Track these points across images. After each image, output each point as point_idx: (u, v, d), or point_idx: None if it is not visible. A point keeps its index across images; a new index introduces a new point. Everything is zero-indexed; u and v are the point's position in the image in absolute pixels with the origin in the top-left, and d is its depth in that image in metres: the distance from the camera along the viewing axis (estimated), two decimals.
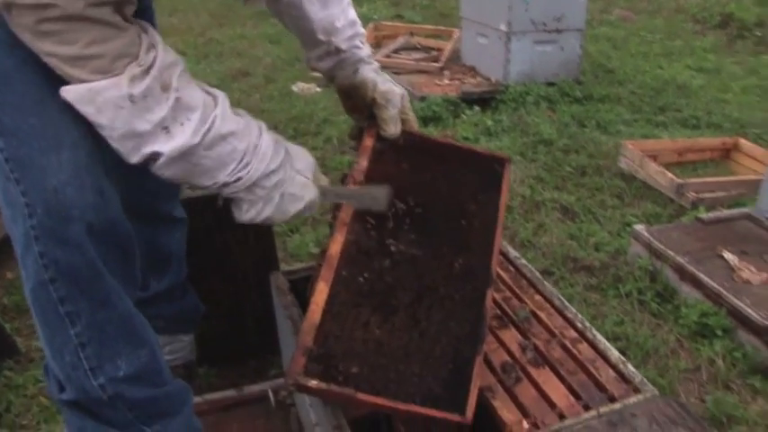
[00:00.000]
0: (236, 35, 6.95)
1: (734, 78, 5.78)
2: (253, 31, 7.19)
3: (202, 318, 2.04)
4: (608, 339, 1.62)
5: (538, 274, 1.80)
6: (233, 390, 2.00)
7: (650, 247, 2.79)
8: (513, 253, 1.90)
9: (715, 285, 2.51)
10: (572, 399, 1.41)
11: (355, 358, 1.31)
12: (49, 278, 1.22)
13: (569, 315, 1.64)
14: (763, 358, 2.31)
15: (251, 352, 2.27)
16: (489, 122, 4.55)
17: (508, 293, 1.74)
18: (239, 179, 1.26)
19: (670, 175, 3.55)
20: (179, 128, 1.17)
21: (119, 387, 1.33)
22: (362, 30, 1.69)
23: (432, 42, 6.20)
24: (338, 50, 1.64)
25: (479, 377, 1.39)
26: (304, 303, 1.67)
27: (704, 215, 3.02)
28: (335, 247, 1.41)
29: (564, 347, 1.55)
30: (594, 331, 1.58)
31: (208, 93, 1.24)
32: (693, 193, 3.42)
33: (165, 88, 1.15)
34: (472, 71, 5.42)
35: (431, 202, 1.59)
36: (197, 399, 1.76)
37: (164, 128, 1.16)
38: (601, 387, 1.44)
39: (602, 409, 1.35)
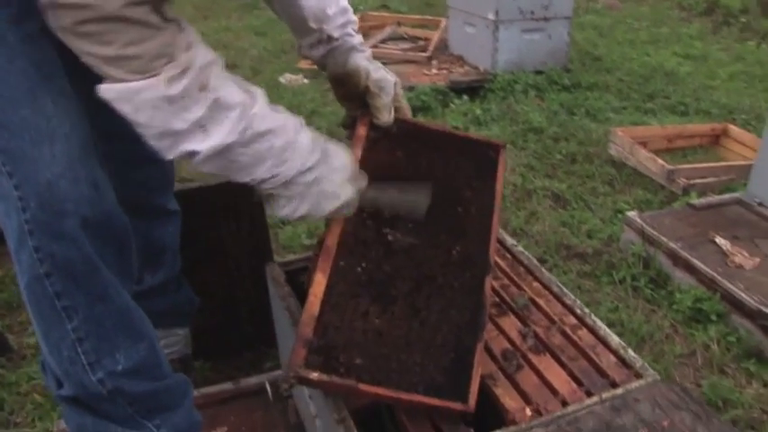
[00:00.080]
0: (222, 27, 6.90)
1: (720, 65, 5.79)
2: (238, 23, 7.14)
3: (197, 311, 2.02)
4: None
5: (535, 261, 1.80)
6: (229, 383, 1.98)
7: (643, 233, 2.79)
8: (509, 240, 1.89)
9: (708, 270, 2.51)
10: (574, 385, 1.40)
11: (356, 349, 1.30)
12: (44, 273, 1.21)
13: (568, 302, 1.64)
14: (757, 342, 2.32)
15: (246, 345, 2.25)
16: (478, 111, 4.54)
17: (506, 281, 1.73)
18: (276, 175, 1.25)
19: (660, 161, 3.56)
20: (216, 127, 1.16)
21: (118, 381, 1.32)
22: (354, 17, 1.67)
23: (419, 32, 6.18)
24: (330, 38, 1.62)
25: (481, 365, 1.38)
26: (300, 294, 1.67)
27: (696, 201, 3.03)
28: (332, 238, 1.39)
29: (564, 334, 1.54)
30: (594, 317, 1.58)
31: (246, 90, 1.22)
32: (684, 180, 3.43)
33: (203, 88, 1.14)
34: (460, 60, 5.41)
35: None
36: (193, 392, 1.75)
37: (201, 126, 1.14)
38: (602, 373, 1.43)
39: (605, 395, 1.35)
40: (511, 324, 1.58)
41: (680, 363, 2.32)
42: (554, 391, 1.39)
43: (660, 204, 3.37)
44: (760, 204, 2.94)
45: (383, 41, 5.92)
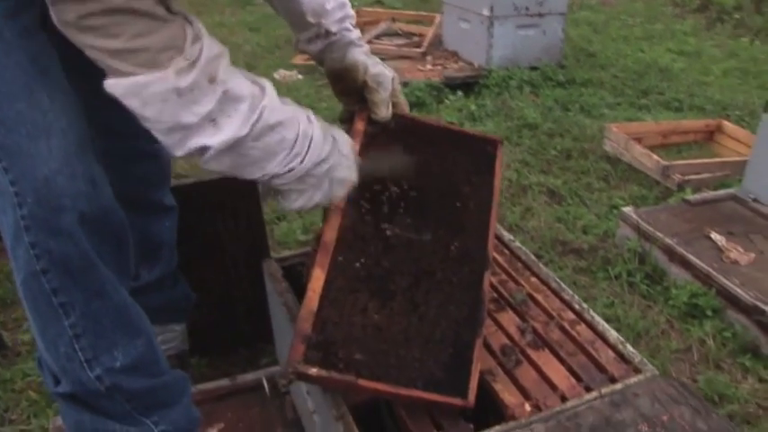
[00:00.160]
0: (215, 23, 6.87)
1: (714, 61, 5.80)
2: (231, 18, 7.11)
3: (193, 307, 2.01)
4: None
5: (533, 256, 1.80)
6: (226, 379, 1.98)
7: (638, 229, 2.80)
8: (507, 236, 1.89)
9: (704, 266, 2.52)
10: (573, 380, 1.40)
11: (355, 344, 1.29)
12: (41, 269, 1.20)
13: (566, 297, 1.64)
14: (752, 337, 2.33)
15: (242, 341, 2.24)
16: (473, 107, 4.54)
17: (504, 276, 1.73)
18: (291, 170, 1.24)
19: (656, 157, 3.56)
20: (227, 120, 1.14)
21: (116, 378, 1.31)
22: (352, 12, 1.66)
23: (413, 28, 6.17)
24: (328, 33, 1.61)
25: (480, 360, 1.38)
26: (298, 290, 1.66)
27: (691, 197, 3.04)
28: (331, 233, 1.39)
29: (562, 329, 1.54)
30: (592, 312, 1.58)
31: (254, 83, 1.20)
32: (679, 175, 3.43)
33: (212, 80, 1.12)
34: (454, 56, 5.40)
35: (425, 185, 1.58)
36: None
37: (211, 120, 1.13)
38: (601, 368, 1.43)
39: (604, 390, 1.35)
40: (509, 319, 1.58)
41: (676, 358, 2.32)
42: (553, 387, 1.39)
43: (655, 200, 3.38)
44: (755, 200, 2.95)
45: (377, 37, 5.91)
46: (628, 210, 2.90)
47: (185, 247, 1.95)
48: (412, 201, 1.53)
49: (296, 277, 1.76)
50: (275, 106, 1.21)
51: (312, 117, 1.30)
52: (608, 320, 2.41)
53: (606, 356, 1.46)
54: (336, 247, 1.38)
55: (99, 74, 1.07)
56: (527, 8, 4.94)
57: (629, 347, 1.48)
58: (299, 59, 5.42)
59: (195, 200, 1.96)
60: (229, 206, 2.02)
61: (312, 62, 5.40)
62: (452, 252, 1.51)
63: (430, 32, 5.72)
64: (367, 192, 1.48)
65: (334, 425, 1.31)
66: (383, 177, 1.52)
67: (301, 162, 1.24)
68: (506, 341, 1.52)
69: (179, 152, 1.15)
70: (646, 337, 2.41)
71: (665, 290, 2.63)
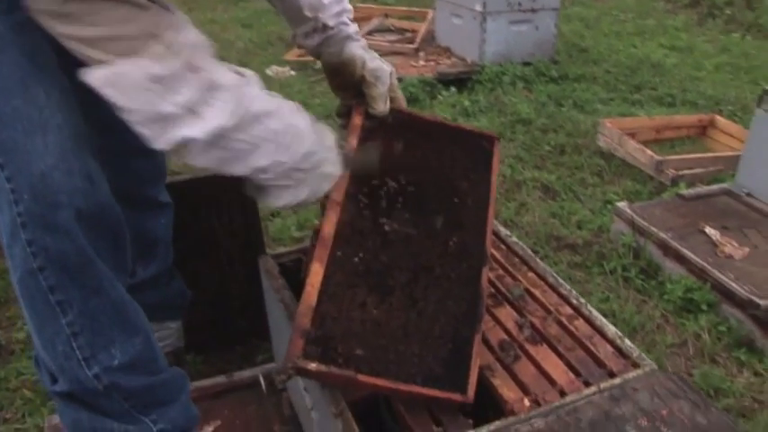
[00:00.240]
0: (207, 20, 6.83)
1: (706, 56, 5.82)
2: (223, 15, 7.08)
3: (189, 304, 2.00)
4: None
5: (530, 251, 1.79)
6: (223, 376, 1.97)
7: (633, 223, 2.80)
8: (503, 231, 1.89)
9: (699, 261, 2.52)
10: (572, 375, 1.40)
11: (354, 339, 1.28)
12: (37, 267, 1.18)
13: (564, 292, 1.64)
14: (747, 331, 2.34)
15: (238, 338, 2.24)
16: (466, 103, 4.54)
17: (501, 271, 1.73)
18: (278, 163, 1.21)
19: (649, 152, 3.57)
20: (208, 109, 1.11)
21: (114, 376, 1.30)
22: (349, 6, 1.65)
23: (406, 24, 6.17)
24: (325, 27, 1.60)
25: (479, 356, 1.38)
26: (294, 286, 1.65)
27: (685, 191, 3.05)
28: (329, 227, 1.38)
29: (560, 324, 1.54)
30: (590, 307, 1.58)
31: (237, 72, 1.18)
32: (673, 170, 3.44)
33: (192, 69, 1.10)
34: (447, 52, 5.40)
35: (423, 180, 1.57)
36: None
37: (191, 110, 1.10)
38: (599, 363, 1.43)
39: (603, 385, 1.35)
40: (507, 315, 1.58)
41: (671, 352, 2.33)
42: (552, 382, 1.39)
43: (649, 195, 3.38)
44: (748, 195, 2.96)
45: (370, 33, 5.89)
46: (622, 205, 2.90)
47: (181, 243, 1.94)
48: (410, 196, 1.53)
49: (292, 274, 1.75)
50: (259, 96, 1.19)
51: (300, 108, 1.27)
52: (603, 315, 2.41)
53: (604, 351, 1.46)
54: (335, 242, 1.37)
55: None
56: (519, 4, 4.94)
57: (627, 342, 1.48)
58: (291, 56, 5.40)
59: (190, 196, 1.95)
60: (224, 202, 2.01)
61: (305, 59, 5.42)
62: (451, 248, 1.51)
63: (422, 28, 5.71)
64: (365, 186, 1.47)
65: (332, 422, 1.30)
66: (373, 172, 1.50)
67: (288, 154, 1.22)
68: (504, 336, 1.51)
69: (160, 144, 1.12)
70: (641, 331, 2.41)
71: (660, 284, 2.63)
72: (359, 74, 1.53)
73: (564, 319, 1.55)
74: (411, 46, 5.45)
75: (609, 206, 3.21)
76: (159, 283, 1.88)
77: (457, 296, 1.44)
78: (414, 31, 5.84)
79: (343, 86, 1.59)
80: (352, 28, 1.61)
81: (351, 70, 1.53)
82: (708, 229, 2.72)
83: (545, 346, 1.48)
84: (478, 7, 4.86)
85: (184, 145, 1.12)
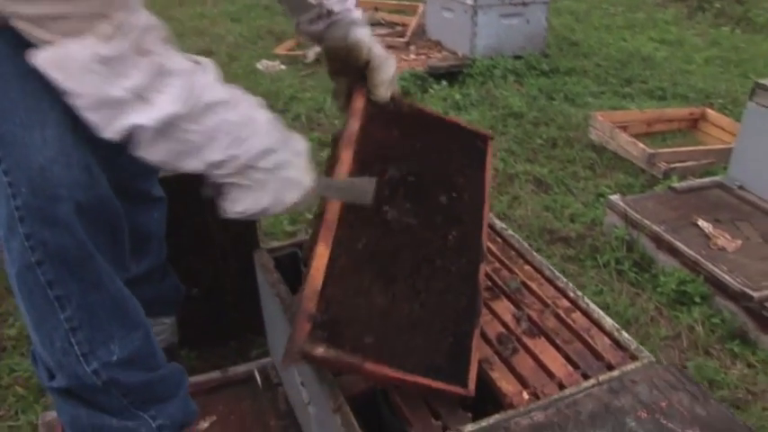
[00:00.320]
0: (197, 14, 6.80)
1: (696, 50, 5.83)
2: (213, 9, 7.04)
3: (183, 299, 1.99)
4: None
5: (526, 244, 1.79)
6: (217, 371, 1.96)
7: (626, 216, 2.81)
8: (499, 224, 1.89)
9: (692, 253, 2.53)
10: (570, 368, 1.40)
11: (360, 326, 1.25)
12: (36, 261, 1.17)
13: (560, 284, 1.64)
14: (740, 323, 2.35)
15: (232, 333, 2.23)
16: (458, 96, 4.53)
17: (497, 264, 1.73)
18: (233, 157, 1.15)
19: (641, 145, 3.57)
20: (158, 96, 1.06)
21: (112, 372, 1.29)
22: None
23: (396, 18, 6.15)
24: (330, 12, 1.57)
25: (478, 350, 1.38)
26: (289, 281, 1.64)
27: (677, 184, 3.05)
28: (333, 212, 1.34)
29: (558, 317, 1.54)
30: (587, 300, 1.58)
31: (192, 60, 1.15)
32: (665, 163, 3.45)
33: (142, 52, 1.06)
34: (438, 46, 5.38)
35: (422, 171, 1.56)
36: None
37: (140, 96, 1.05)
38: (597, 355, 1.44)
39: (602, 377, 1.35)
40: (504, 308, 1.58)
41: (665, 345, 2.34)
42: (550, 375, 1.39)
43: (641, 188, 3.39)
44: (740, 188, 2.97)
45: None
46: (615, 198, 2.91)
47: (174, 238, 1.92)
48: (410, 186, 1.52)
49: (287, 268, 1.74)
50: (214, 84, 1.14)
51: (260, 103, 1.22)
52: None
53: (602, 344, 1.46)
54: (339, 227, 1.33)
55: None
56: None
57: (625, 334, 1.48)
58: (281, 50, 5.38)
59: (183, 191, 1.93)
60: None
61: (295, 53, 5.38)
62: (450, 241, 1.50)
63: (413, 22, 5.70)
64: (367, 173, 1.45)
65: (331, 416, 1.30)
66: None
67: (244, 149, 1.15)
68: (502, 329, 1.52)
69: (109, 133, 1.07)
70: (635, 324, 2.42)
71: (654, 277, 2.64)
72: (364, 58, 1.50)
73: (561, 312, 1.55)
74: (402, 40, 5.44)
75: (601, 199, 3.22)
76: (153, 279, 1.86)
77: (457, 290, 1.44)
78: (404, 25, 5.83)
79: (343, 71, 1.55)
80: (357, 13, 1.59)
81: (356, 54, 1.50)
82: (700, 222, 2.73)
83: (543, 338, 1.49)
84: (469, 1, 4.85)
85: (133, 134, 1.08)
